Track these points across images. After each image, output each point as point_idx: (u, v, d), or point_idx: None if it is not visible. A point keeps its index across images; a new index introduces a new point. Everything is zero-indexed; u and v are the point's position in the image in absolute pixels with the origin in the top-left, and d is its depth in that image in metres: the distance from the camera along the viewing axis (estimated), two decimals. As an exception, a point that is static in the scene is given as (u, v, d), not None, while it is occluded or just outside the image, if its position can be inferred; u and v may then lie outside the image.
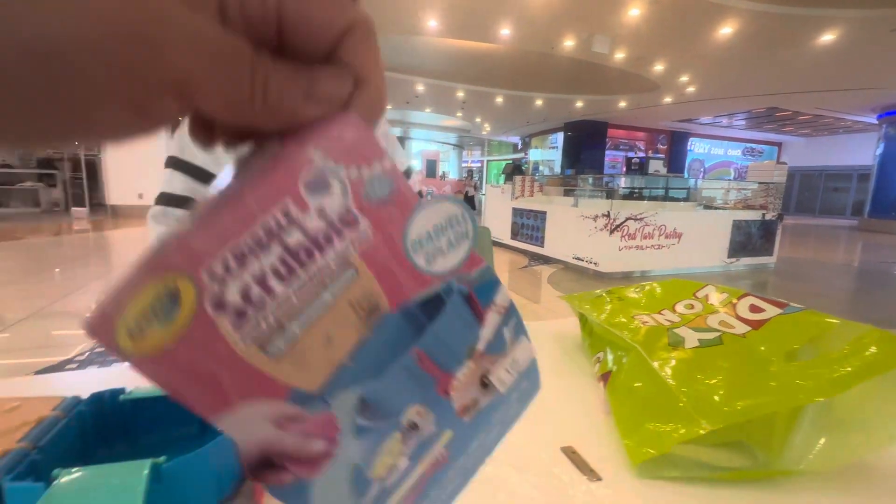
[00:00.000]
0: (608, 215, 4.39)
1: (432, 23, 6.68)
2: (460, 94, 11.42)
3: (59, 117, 0.11)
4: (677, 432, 0.37)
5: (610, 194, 5.28)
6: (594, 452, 0.39)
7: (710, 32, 6.54)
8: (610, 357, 0.50)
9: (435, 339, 0.18)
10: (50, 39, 0.10)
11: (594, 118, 13.95)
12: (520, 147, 19.24)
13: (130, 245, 5.49)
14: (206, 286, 0.13)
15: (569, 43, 7.28)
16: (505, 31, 6.91)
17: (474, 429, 0.20)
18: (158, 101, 0.12)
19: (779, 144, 17.41)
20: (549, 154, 16.48)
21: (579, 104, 12.15)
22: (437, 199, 0.17)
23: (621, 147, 15.52)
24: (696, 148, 16.74)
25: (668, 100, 11.01)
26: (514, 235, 5.98)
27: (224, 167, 0.42)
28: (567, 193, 6.65)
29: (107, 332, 0.12)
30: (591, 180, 6.10)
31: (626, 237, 4.48)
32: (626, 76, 9.02)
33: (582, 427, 0.44)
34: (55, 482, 0.25)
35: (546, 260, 5.26)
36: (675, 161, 15.54)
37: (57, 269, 3.96)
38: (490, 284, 0.19)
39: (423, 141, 19.64)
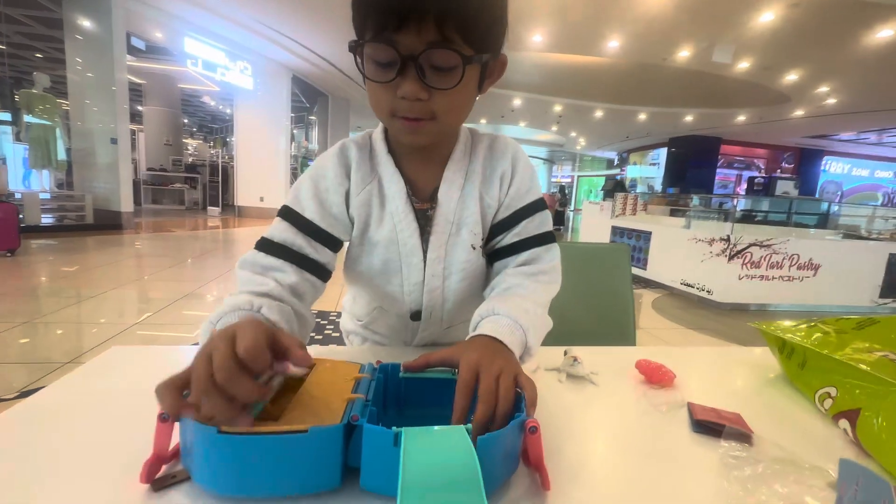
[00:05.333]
0: (727, 239, 3.97)
1: (537, 38, 6.69)
2: (557, 109, 11.23)
3: None
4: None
5: (727, 216, 4.78)
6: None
7: (863, 37, 5.67)
8: (847, 393, 0.46)
9: None
10: None
11: (705, 133, 12.80)
12: (616, 163, 18.32)
13: (251, 241, 6.24)
14: None
15: (684, 53, 6.81)
16: (613, 44, 6.68)
17: None
18: None
19: (948, 166, 14.43)
20: (648, 171, 15.46)
21: (689, 118, 11.24)
22: None
23: (736, 165, 14.02)
24: (832, 167, 14.51)
25: (799, 113, 9.73)
26: (612, 255, 5.67)
27: (332, 222, 0.54)
28: (674, 213, 6.16)
29: None
30: (704, 200, 5.59)
31: (749, 265, 4.02)
32: (749, 87, 8.17)
33: (830, 463, 0.40)
34: (402, 431, 0.30)
35: (647, 283, 4.91)
36: (805, 182, 13.59)
37: (189, 260, 4.63)
38: None
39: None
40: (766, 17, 5.40)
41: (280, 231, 0.55)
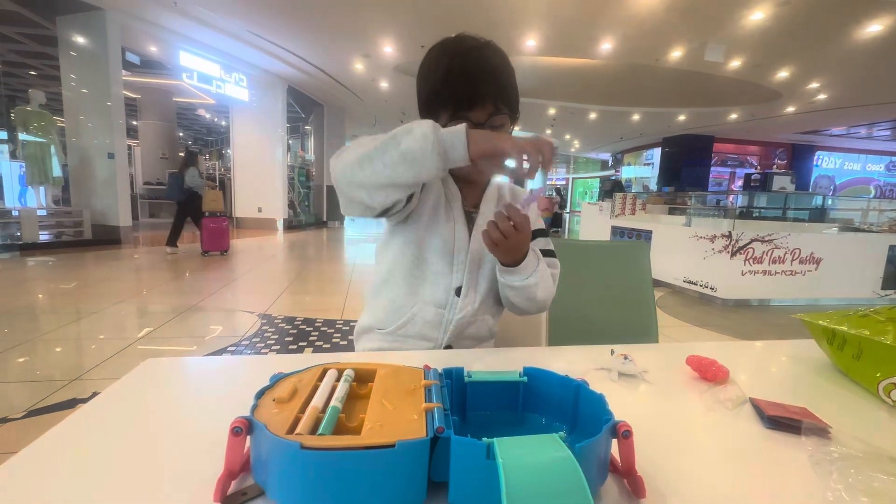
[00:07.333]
0: (729, 236, 3.98)
1: (530, 42, 6.73)
2: (551, 112, 11.29)
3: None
4: None
5: (727, 213, 4.80)
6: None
7: (851, 33, 5.75)
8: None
9: None
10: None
11: (698, 132, 12.90)
12: (611, 164, 18.42)
13: (249, 254, 6.21)
14: None
15: (676, 53, 6.87)
16: (606, 46, 6.73)
17: None
18: None
19: (938, 157, 14.59)
20: (643, 171, 15.55)
21: (681, 118, 11.33)
22: None
23: (729, 163, 14.12)
24: (824, 162, 14.64)
25: (790, 109, 9.83)
26: (614, 255, 5.67)
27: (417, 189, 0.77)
28: (672, 212, 6.19)
29: None
30: (703, 198, 5.61)
31: (751, 261, 4.02)
32: (741, 85, 8.25)
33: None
34: (494, 443, 0.28)
35: (651, 282, 4.91)
36: (798, 178, 13.68)
37: (187, 273, 4.59)
38: None
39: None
40: (757, 16, 5.47)
41: (368, 140, 0.72)
